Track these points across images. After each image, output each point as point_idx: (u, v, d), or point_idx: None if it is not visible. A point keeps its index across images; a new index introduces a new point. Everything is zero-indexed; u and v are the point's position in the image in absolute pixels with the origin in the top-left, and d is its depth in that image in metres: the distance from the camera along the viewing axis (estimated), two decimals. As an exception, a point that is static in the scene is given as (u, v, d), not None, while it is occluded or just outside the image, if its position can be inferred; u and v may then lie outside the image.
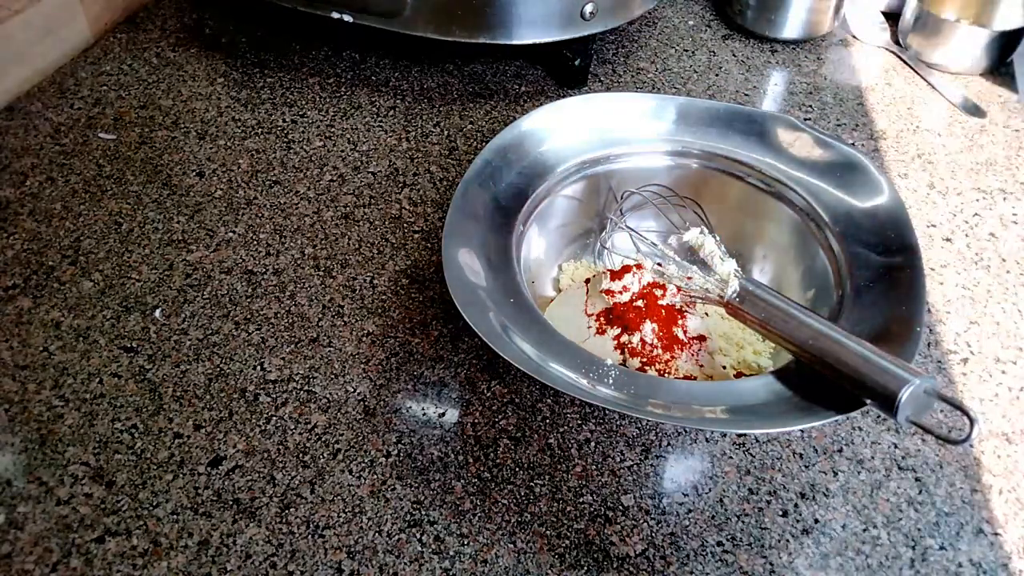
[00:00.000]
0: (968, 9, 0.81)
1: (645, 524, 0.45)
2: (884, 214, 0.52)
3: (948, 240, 0.62)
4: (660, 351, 0.50)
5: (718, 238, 0.56)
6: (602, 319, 0.51)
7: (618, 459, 0.48)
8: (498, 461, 0.47)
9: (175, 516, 0.44)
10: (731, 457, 0.48)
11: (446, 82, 0.75)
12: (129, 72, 0.74)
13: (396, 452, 0.48)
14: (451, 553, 0.43)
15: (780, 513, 0.46)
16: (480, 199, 0.52)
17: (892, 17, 0.84)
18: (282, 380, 0.51)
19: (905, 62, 0.80)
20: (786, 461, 0.48)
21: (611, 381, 0.43)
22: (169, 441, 0.48)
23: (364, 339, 0.53)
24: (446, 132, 0.70)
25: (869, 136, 0.71)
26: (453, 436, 0.48)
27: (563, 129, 0.57)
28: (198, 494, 0.45)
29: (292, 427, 0.49)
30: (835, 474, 0.48)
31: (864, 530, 0.45)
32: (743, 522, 0.45)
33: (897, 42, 0.82)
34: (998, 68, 0.78)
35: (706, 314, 0.54)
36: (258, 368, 0.52)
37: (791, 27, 0.80)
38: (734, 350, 0.52)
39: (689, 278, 0.52)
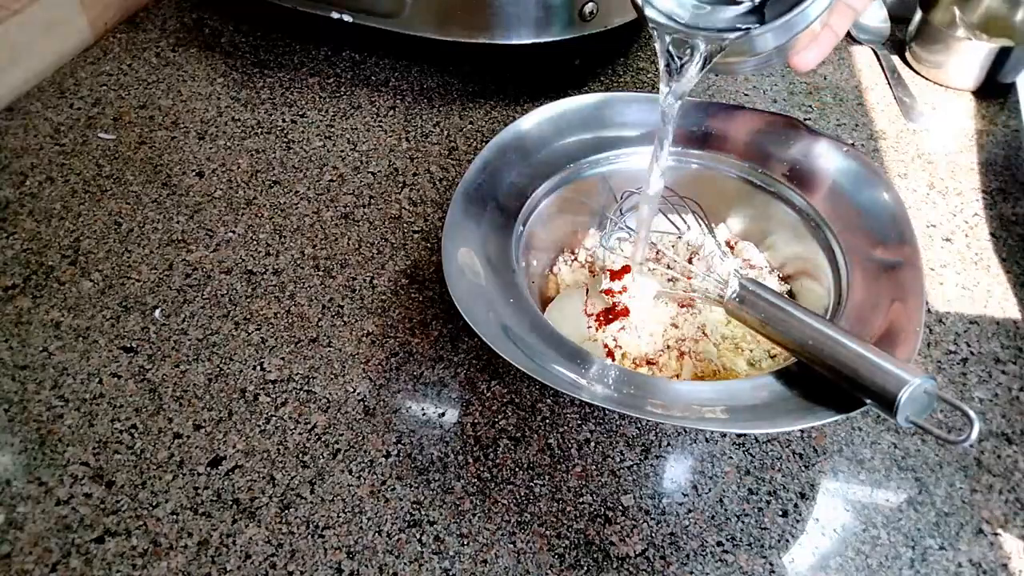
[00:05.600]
0: (971, 19, 0.80)
1: (645, 524, 0.45)
2: (884, 214, 0.52)
3: (948, 240, 0.62)
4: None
5: (718, 238, 0.56)
6: (602, 319, 0.51)
7: (618, 459, 0.48)
8: (498, 461, 0.47)
9: (175, 516, 0.44)
10: (731, 457, 0.48)
11: (446, 82, 0.75)
12: (129, 72, 0.74)
13: (396, 452, 0.48)
14: (451, 553, 0.43)
15: (780, 513, 0.46)
16: (480, 199, 0.52)
17: (902, 21, 0.83)
18: (282, 380, 0.51)
19: (908, 64, 0.80)
20: (786, 461, 0.48)
21: (611, 381, 0.43)
22: (169, 441, 0.48)
23: (364, 339, 0.53)
24: (446, 132, 0.70)
25: (869, 136, 0.71)
26: (453, 436, 0.48)
27: (563, 129, 0.57)
28: (198, 494, 0.45)
29: (292, 427, 0.49)
30: (835, 474, 0.48)
31: (864, 530, 0.45)
32: (743, 522, 0.45)
33: (902, 44, 0.81)
34: (996, 80, 0.77)
35: (699, 312, 0.54)
36: (258, 368, 0.52)
37: None
38: (733, 350, 0.52)
39: (689, 278, 0.52)
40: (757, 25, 0.40)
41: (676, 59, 0.43)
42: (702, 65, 0.42)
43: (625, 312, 0.51)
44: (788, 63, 0.44)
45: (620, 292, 0.51)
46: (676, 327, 0.52)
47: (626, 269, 0.51)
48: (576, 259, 0.57)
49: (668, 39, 0.42)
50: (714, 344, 0.51)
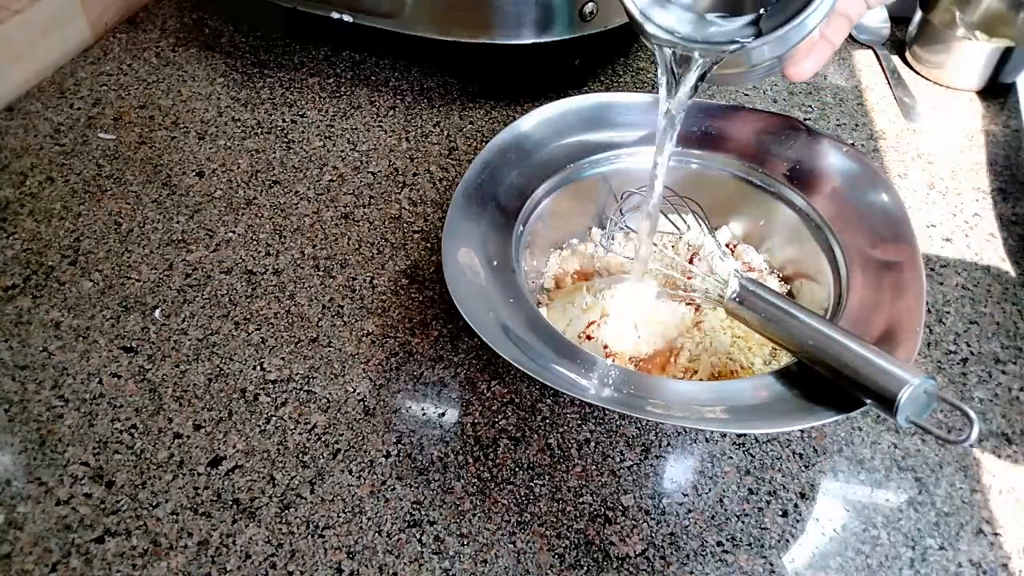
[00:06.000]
0: (971, 19, 0.80)
1: (645, 524, 0.45)
2: (884, 214, 0.52)
3: (948, 240, 0.62)
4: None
5: (718, 238, 0.56)
6: (582, 335, 0.51)
7: (618, 459, 0.48)
8: (498, 461, 0.47)
9: (175, 516, 0.44)
10: (731, 457, 0.48)
11: (446, 82, 0.75)
12: (129, 72, 0.74)
13: (396, 452, 0.48)
14: (451, 553, 0.43)
15: (780, 513, 0.46)
16: (480, 199, 0.52)
17: (902, 21, 0.83)
18: (282, 380, 0.51)
19: (908, 64, 0.80)
20: (786, 461, 0.48)
21: (611, 381, 0.43)
22: (169, 441, 0.48)
23: (364, 339, 0.53)
24: (446, 132, 0.70)
25: (869, 136, 0.71)
26: (453, 436, 0.48)
27: (563, 129, 0.57)
28: (198, 494, 0.45)
29: (292, 427, 0.49)
30: (835, 474, 0.48)
31: (864, 530, 0.45)
32: (743, 522, 0.45)
33: (902, 44, 0.81)
34: (996, 81, 0.77)
35: (703, 312, 0.54)
36: (258, 368, 0.52)
37: None
38: (733, 350, 0.52)
39: (689, 278, 0.52)
40: (753, 38, 0.40)
41: (676, 73, 0.44)
42: (699, 77, 0.43)
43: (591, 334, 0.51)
44: (784, 74, 0.44)
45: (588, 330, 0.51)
46: (678, 327, 0.52)
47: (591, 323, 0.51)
48: (576, 259, 0.57)
49: (669, 53, 0.43)
50: (719, 348, 0.51)
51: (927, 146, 0.71)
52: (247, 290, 0.56)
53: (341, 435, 0.48)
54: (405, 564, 0.43)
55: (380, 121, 0.71)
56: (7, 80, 0.70)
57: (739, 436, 0.49)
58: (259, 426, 0.49)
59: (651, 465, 0.48)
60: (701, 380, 0.49)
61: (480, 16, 0.67)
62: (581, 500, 0.46)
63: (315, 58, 0.77)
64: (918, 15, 0.78)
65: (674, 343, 0.51)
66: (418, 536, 0.44)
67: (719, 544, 0.44)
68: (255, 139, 0.68)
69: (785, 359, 0.50)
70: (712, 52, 0.42)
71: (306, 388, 0.51)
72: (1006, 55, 0.74)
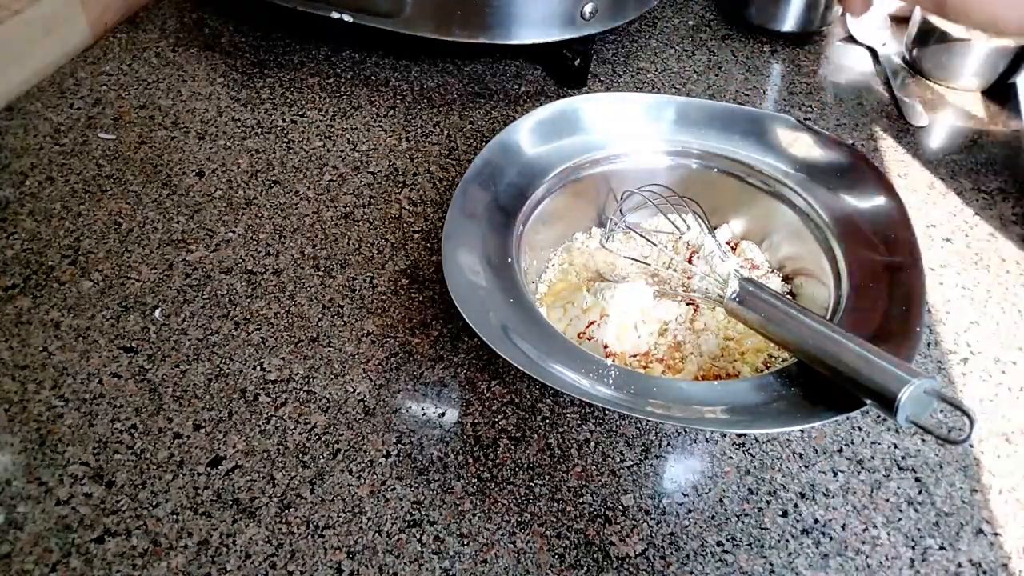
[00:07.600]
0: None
1: (645, 524, 0.45)
2: (884, 214, 0.52)
3: (948, 240, 0.62)
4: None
5: (718, 238, 0.56)
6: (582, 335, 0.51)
7: (618, 459, 0.48)
8: (498, 461, 0.47)
9: (175, 516, 0.44)
10: (731, 457, 0.48)
11: (446, 82, 0.75)
12: (129, 72, 0.74)
13: (396, 452, 0.48)
14: (451, 553, 0.43)
15: (780, 513, 0.46)
16: (480, 199, 0.52)
17: (902, 20, 0.83)
18: (282, 380, 0.51)
19: (908, 65, 0.80)
20: (786, 461, 0.48)
21: (611, 381, 0.43)
22: (169, 441, 0.48)
23: (364, 339, 0.53)
24: (446, 132, 0.70)
25: (869, 136, 0.71)
26: (453, 436, 0.48)
27: (563, 129, 0.57)
28: (198, 494, 0.45)
29: (292, 427, 0.49)
30: (835, 474, 0.48)
31: (864, 530, 0.45)
32: (743, 522, 0.45)
33: (902, 44, 0.81)
34: (996, 81, 0.77)
35: (701, 312, 0.54)
36: (258, 368, 0.52)
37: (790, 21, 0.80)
38: (723, 355, 0.52)
39: (689, 278, 0.52)
40: None
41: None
42: None
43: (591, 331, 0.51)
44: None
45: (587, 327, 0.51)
46: (678, 326, 0.52)
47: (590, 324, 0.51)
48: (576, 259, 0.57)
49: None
50: (718, 347, 0.51)
51: (927, 146, 0.71)
52: (247, 290, 0.56)
53: (341, 435, 0.48)
54: (405, 564, 0.43)
55: (380, 121, 0.71)
56: (7, 80, 0.70)
57: (739, 436, 0.49)
58: (259, 426, 0.49)
59: (651, 465, 0.48)
60: (687, 380, 0.49)
61: (480, 16, 0.67)
62: (581, 500, 0.46)
63: (315, 58, 0.77)
64: (918, 14, 0.78)
65: (678, 344, 0.51)
66: (418, 536, 0.44)
67: (719, 544, 0.44)
68: (255, 139, 0.68)
69: (783, 360, 0.50)
70: None
71: (306, 388, 0.51)
72: (1005, 55, 0.73)
